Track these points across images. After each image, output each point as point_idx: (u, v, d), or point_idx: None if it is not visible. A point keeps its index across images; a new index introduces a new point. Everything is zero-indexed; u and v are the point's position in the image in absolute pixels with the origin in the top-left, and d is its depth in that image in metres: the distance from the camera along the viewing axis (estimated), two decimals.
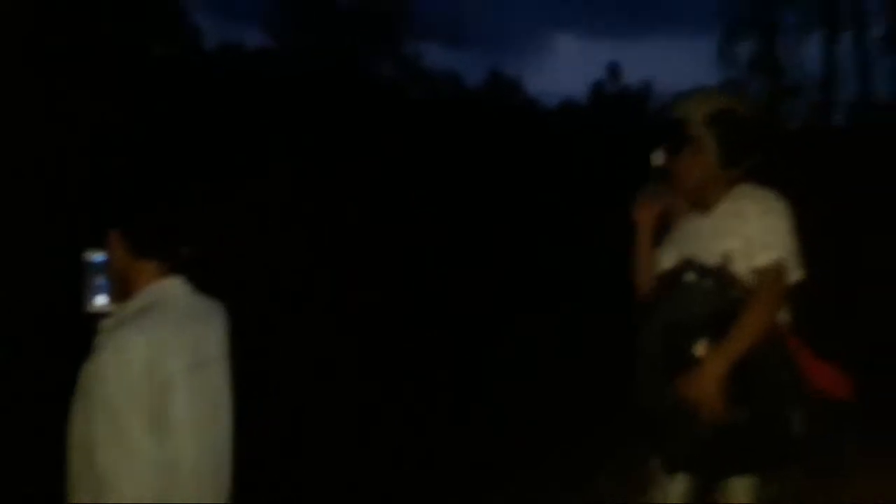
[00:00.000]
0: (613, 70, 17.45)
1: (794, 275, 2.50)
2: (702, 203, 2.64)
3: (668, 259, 2.70)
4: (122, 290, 1.94)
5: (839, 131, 16.28)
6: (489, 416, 5.99)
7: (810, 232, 2.59)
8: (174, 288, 1.94)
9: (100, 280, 1.96)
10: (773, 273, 2.47)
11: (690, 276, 2.52)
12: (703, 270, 2.50)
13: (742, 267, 2.48)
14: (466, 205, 9.71)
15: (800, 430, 2.43)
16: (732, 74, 18.14)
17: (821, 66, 17.05)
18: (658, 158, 2.61)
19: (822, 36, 17.06)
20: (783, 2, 17.12)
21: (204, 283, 2.01)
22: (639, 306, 2.77)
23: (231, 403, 2.02)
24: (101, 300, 1.95)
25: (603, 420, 4.43)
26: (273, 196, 8.21)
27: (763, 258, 2.48)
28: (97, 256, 1.96)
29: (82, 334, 1.89)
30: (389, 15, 15.99)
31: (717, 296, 2.47)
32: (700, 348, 2.44)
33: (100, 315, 1.93)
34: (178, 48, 12.97)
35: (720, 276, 2.49)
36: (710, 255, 2.53)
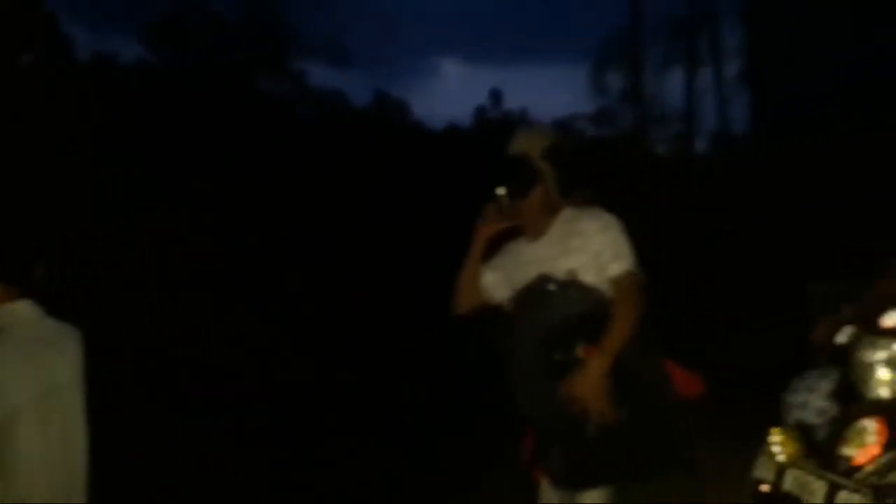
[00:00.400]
0: (495, 96, 17.93)
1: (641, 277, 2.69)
2: (535, 229, 2.80)
3: (498, 284, 2.84)
4: None
5: (699, 160, 17.37)
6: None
7: (672, 251, 2.78)
8: (22, 312, 1.84)
9: None
10: (628, 280, 2.66)
11: (552, 286, 2.63)
12: (563, 282, 2.63)
13: (592, 280, 2.64)
14: (357, 219, 9.72)
15: (677, 433, 2.55)
16: (604, 104, 19.11)
17: (683, 99, 18.27)
18: (502, 191, 2.73)
19: (684, 71, 18.28)
20: (649, 37, 18.21)
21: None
22: (463, 320, 2.87)
23: (85, 429, 1.93)
24: None
25: None
26: (151, 214, 7.96)
27: (616, 268, 2.66)
28: None
29: None
30: (274, 31, 15.84)
31: (582, 301, 2.60)
32: (581, 350, 2.54)
33: None
34: (47, 57, 12.39)
35: (578, 286, 2.62)
36: (557, 275, 2.66)
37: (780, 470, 2.22)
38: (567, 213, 2.78)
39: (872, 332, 2.31)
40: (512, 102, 17.08)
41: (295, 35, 15.97)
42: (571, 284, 2.64)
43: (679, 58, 18.10)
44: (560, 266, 2.68)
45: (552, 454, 2.62)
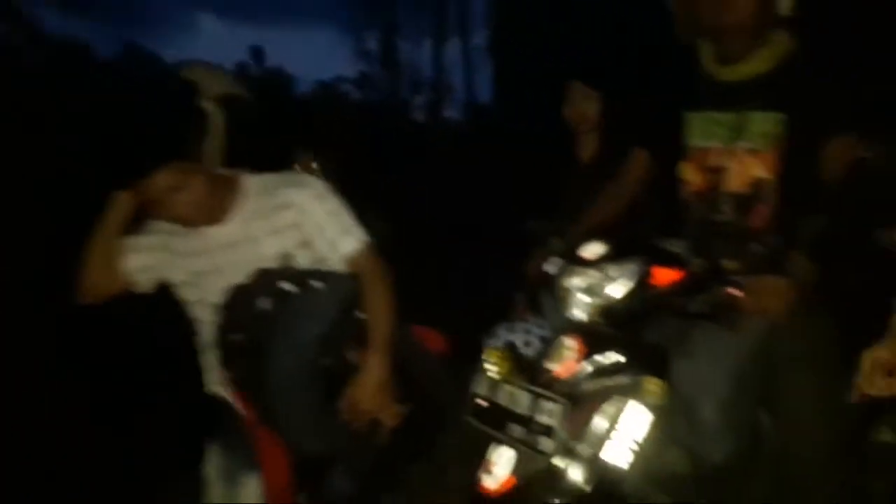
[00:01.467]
0: (257, 53, 17.25)
1: None
2: (205, 213, 2.25)
3: (149, 270, 2.35)
4: None
5: (450, 128, 18.13)
6: None
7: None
8: None
9: None
10: (367, 254, 2.38)
11: (287, 286, 2.20)
12: (300, 275, 2.25)
13: (308, 262, 2.33)
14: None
15: (453, 405, 2.41)
16: (364, 69, 19.34)
17: (432, 67, 19.01)
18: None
19: (433, 39, 18.99)
20: (403, 4, 18.65)
21: None
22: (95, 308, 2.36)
23: None
24: None
25: None
26: None
27: (352, 243, 2.37)
28: None
29: None
30: None
31: (336, 294, 2.28)
32: (353, 354, 2.27)
33: None
34: None
35: (322, 275, 2.29)
36: (263, 260, 2.28)
37: (494, 385, 2.40)
38: (255, 184, 2.31)
39: (575, 262, 2.52)
40: (273, 63, 16.47)
41: None
42: (313, 275, 2.25)
43: (426, 27, 18.72)
44: (266, 250, 2.27)
45: (333, 478, 2.31)
